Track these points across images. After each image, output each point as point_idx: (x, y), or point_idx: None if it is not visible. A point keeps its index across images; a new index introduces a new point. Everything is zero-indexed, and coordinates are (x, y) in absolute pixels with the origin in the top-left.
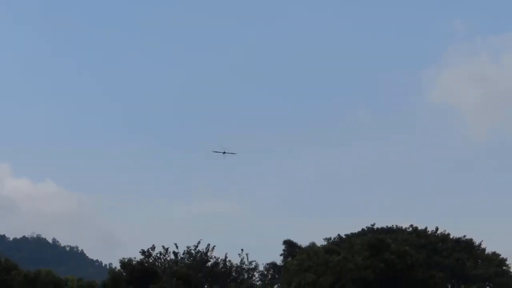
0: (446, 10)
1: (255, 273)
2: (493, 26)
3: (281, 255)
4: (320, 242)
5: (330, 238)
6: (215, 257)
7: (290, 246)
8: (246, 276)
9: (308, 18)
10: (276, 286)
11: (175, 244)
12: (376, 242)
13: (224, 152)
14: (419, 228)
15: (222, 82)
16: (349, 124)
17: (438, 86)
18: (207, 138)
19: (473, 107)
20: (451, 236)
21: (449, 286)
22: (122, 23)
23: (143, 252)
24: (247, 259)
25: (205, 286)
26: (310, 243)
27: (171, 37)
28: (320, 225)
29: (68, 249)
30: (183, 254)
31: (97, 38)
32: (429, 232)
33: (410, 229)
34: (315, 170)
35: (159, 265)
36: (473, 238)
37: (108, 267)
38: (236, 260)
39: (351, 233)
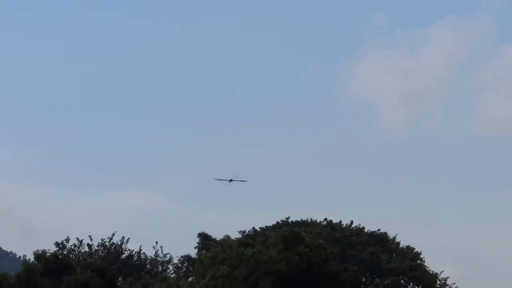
0: (367, 4)
1: (169, 266)
2: (413, 20)
3: (195, 247)
4: (234, 235)
5: (245, 231)
6: (129, 249)
7: (204, 239)
8: (160, 269)
9: (220, 10)
10: (190, 278)
11: (89, 236)
12: (290, 235)
13: (231, 180)
14: (334, 221)
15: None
16: (264, 117)
17: (357, 80)
18: (123, 127)
19: (392, 101)
20: (365, 230)
21: (363, 280)
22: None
23: (57, 244)
24: (162, 251)
25: (120, 279)
26: (225, 236)
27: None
28: (235, 218)
29: None
30: (98, 246)
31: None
32: (344, 226)
33: (325, 222)
34: (231, 163)
35: (73, 257)
36: (387, 232)
37: (22, 258)
38: (150, 253)
39: (266, 226)
